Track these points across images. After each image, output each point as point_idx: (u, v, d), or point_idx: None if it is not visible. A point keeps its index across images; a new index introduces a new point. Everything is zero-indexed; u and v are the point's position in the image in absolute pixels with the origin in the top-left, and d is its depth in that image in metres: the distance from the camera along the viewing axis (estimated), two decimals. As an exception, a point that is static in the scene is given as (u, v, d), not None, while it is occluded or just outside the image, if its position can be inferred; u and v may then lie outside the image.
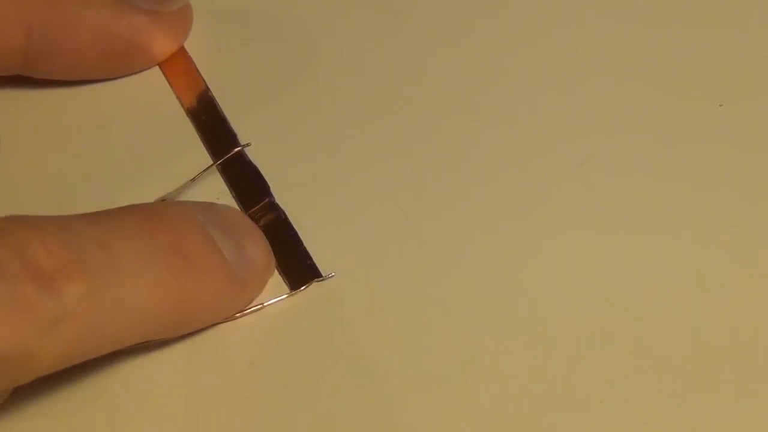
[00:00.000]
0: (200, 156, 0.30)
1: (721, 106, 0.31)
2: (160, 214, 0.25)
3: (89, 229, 0.23)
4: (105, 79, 0.32)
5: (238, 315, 0.27)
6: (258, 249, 0.27)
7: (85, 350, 0.23)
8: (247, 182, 0.30)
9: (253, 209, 0.29)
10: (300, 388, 0.26)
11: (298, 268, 0.28)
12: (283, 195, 0.29)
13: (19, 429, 0.25)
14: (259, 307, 0.27)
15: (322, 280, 0.28)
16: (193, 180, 0.29)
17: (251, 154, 0.30)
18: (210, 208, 0.27)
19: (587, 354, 0.26)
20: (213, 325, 0.27)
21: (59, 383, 0.26)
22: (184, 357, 0.27)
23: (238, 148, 0.30)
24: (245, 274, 0.27)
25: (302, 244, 0.28)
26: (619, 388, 0.26)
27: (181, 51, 0.32)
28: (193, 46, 0.33)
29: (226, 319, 0.27)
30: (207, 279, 0.25)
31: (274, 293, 0.28)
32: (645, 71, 0.32)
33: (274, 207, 0.29)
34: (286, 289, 0.28)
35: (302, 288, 0.28)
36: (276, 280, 0.28)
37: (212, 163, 0.30)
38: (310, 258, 0.28)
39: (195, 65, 0.32)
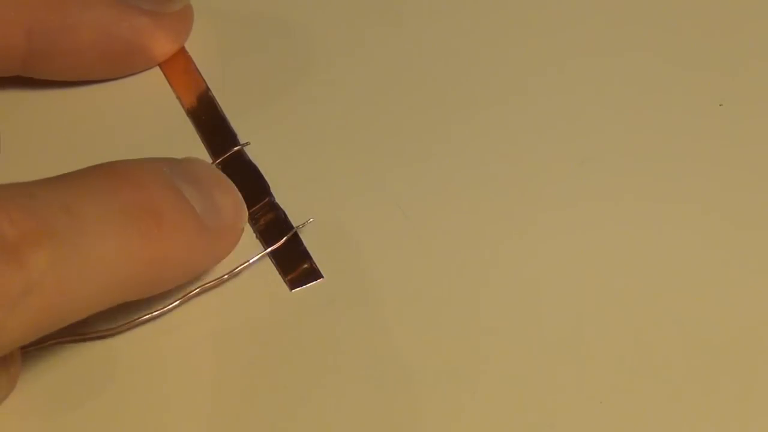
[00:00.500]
0: (200, 156, 0.30)
1: (721, 105, 0.31)
2: (124, 171, 0.25)
3: (52, 194, 0.23)
4: (105, 79, 0.32)
5: (226, 276, 0.27)
6: (228, 198, 0.27)
7: (56, 319, 0.23)
8: (247, 182, 0.30)
9: (254, 209, 0.29)
10: (300, 388, 0.26)
11: (298, 268, 0.28)
12: (282, 194, 0.29)
13: (18, 429, 0.25)
14: (245, 264, 0.28)
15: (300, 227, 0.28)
16: None
17: (251, 153, 0.30)
18: (175, 161, 0.26)
19: (587, 354, 0.26)
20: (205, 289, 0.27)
21: (55, 380, 0.26)
22: (184, 356, 0.26)
23: (237, 147, 0.30)
24: (217, 224, 0.26)
25: (302, 243, 0.28)
26: (619, 388, 0.26)
27: (182, 51, 0.32)
28: (193, 46, 0.33)
29: (207, 284, 0.27)
30: (177, 233, 0.25)
31: (272, 291, 0.28)
32: (645, 71, 0.32)
33: (274, 206, 0.29)
34: (285, 288, 0.28)
35: (281, 241, 0.28)
36: (274, 277, 0.28)
37: (212, 162, 0.30)
38: (310, 257, 0.28)
39: (195, 65, 0.32)
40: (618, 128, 0.31)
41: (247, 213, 0.27)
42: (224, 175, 0.27)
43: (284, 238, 0.28)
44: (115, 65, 0.31)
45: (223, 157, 0.30)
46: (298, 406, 0.26)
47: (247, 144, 0.30)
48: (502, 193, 0.29)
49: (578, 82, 0.32)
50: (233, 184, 0.27)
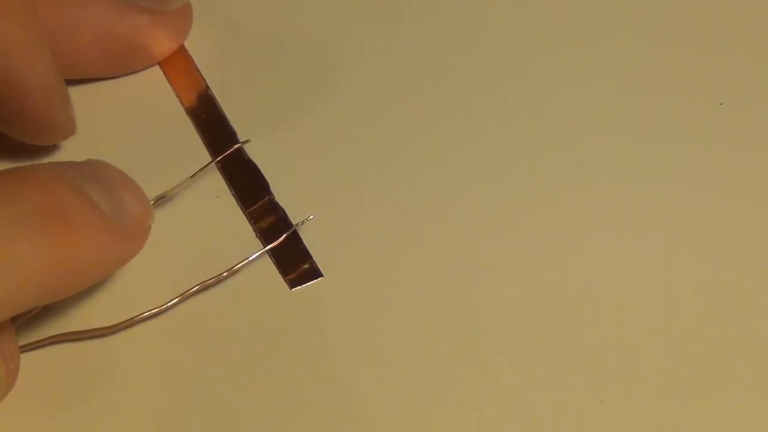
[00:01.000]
0: (200, 154, 0.30)
1: (721, 104, 0.31)
2: (27, 175, 0.25)
3: None
4: (105, 78, 0.32)
5: (225, 273, 0.27)
6: (134, 198, 0.26)
7: None
8: (247, 180, 0.30)
9: (253, 207, 0.29)
10: (300, 387, 0.26)
11: (298, 267, 0.28)
12: (282, 193, 0.29)
13: (17, 427, 0.25)
14: (244, 261, 0.28)
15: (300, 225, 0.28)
16: (192, 177, 0.29)
17: (251, 152, 0.30)
18: (78, 163, 0.26)
19: (587, 353, 0.26)
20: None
21: (53, 380, 0.26)
22: (184, 355, 0.27)
23: (238, 145, 0.30)
24: (124, 223, 0.26)
25: (302, 242, 0.28)
26: (619, 388, 0.26)
27: (181, 50, 0.32)
28: (192, 45, 0.33)
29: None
30: (84, 234, 0.25)
31: (272, 290, 0.28)
32: (645, 70, 0.32)
33: (274, 205, 0.29)
34: (285, 287, 0.28)
35: (281, 239, 0.28)
36: (274, 276, 0.28)
37: (212, 160, 0.30)
38: (310, 256, 0.28)
39: (195, 64, 0.32)
40: (617, 128, 0.31)
41: (153, 212, 0.27)
42: (128, 176, 0.27)
43: (283, 236, 0.28)
44: (115, 64, 0.31)
45: (223, 155, 0.30)
46: (298, 405, 0.26)
47: (247, 141, 0.30)
48: (502, 192, 0.29)
49: (578, 82, 0.32)
50: (137, 184, 0.27)
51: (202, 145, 0.31)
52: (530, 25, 0.33)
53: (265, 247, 0.28)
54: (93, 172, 0.26)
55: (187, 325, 0.27)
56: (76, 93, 0.31)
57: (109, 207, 0.25)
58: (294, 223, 0.29)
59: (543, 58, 0.32)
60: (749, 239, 0.28)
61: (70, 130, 0.29)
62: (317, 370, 0.26)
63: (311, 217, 0.29)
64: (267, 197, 0.29)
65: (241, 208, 0.29)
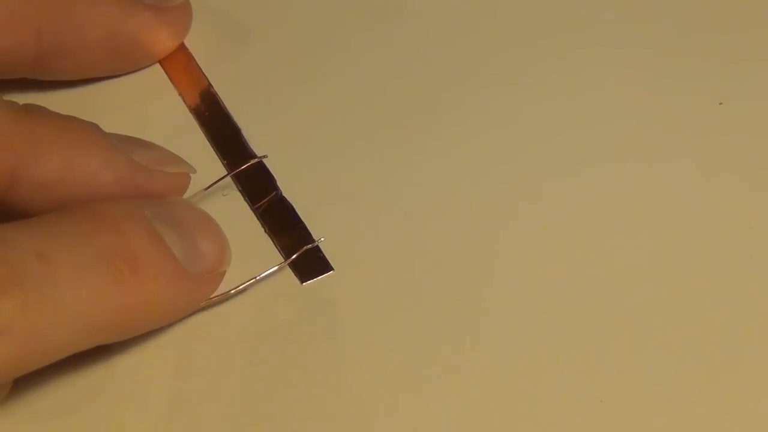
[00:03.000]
0: (205, 152, 0.30)
1: (721, 104, 0.31)
2: (101, 215, 0.25)
3: (25, 239, 0.23)
4: (109, 76, 0.32)
5: (232, 291, 0.27)
6: (211, 242, 0.26)
7: (26, 363, 0.23)
8: (253, 176, 0.30)
9: (261, 203, 0.29)
10: (301, 386, 0.26)
11: (308, 261, 0.28)
12: (288, 189, 0.29)
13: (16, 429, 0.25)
14: (251, 281, 0.27)
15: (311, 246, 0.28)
16: (207, 189, 0.29)
17: (257, 148, 0.30)
18: (158, 203, 0.26)
19: (587, 353, 0.26)
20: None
21: (53, 382, 0.26)
22: (184, 355, 0.26)
23: (256, 160, 0.29)
24: (197, 269, 0.26)
25: (311, 235, 0.28)
26: (619, 388, 0.26)
27: (182, 48, 0.32)
28: (192, 43, 0.33)
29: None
30: (153, 279, 0.24)
31: (282, 284, 0.28)
32: (645, 70, 0.32)
33: (281, 201, 0.29)
34: (296, 281, 0.28)
35: (294, 256, 0.28)
36: (285, 270, 0.28)
37: (227, 173, 0.29)
38: (320, 250, 0.28)
39: (196, 62, 0.32)
40: (617, 127, 0.31)
41: (230, 256, 0.27)
42: (209, 217, 0.27)
43: (302, 249, 0.28)
44: (120, 62, 0.31)
45: (240, 169, 0.29)
46: (299, 404, 0.26)
47: (264, 157, 0.30)
48: (501, 191, 0.29)
49: (577, 81, 0.32)
50: (218, 226, 0.27)
51: (207, 143, 0.31)
52: (530, 25, 0.33)
53: (285, 260, 0.28)
54: (171, 213, 0.26)
55: (193, 320, 0.27)
56: (78, 94, 0.31)
57: (183, 252, 0.25)
58: (300, 217, 0.29)
59: (543, 59, 0.32)
60: (749, 239, 0.28)
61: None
62: (318, 369, 0.26)
63: (322, 239, 0.28)
64: (274, 193, 0.29)
65: (249, 205, 0.29)
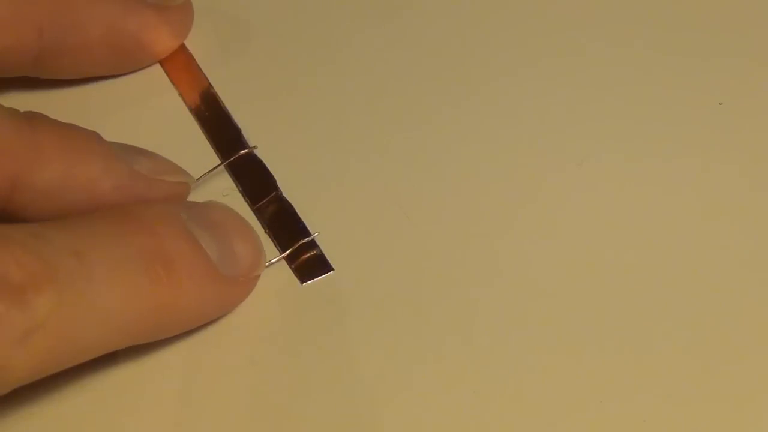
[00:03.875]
0: (205, 152, 0.30)
1: (721, 104, 0.31)
2: (137, 216, 0.25)
3: (61, 237, 0.23)
4: (109, 75, 0.32)
5: None
6: (246, 245, 0.26)
7: (60, 360, 0.23)
8: (253, 177, 0.30)
9: (261, 203, 0.29)
10: (301, 386, 0.26)
11: (309, 261, 0.28)
12: (288, 189, 0.29)
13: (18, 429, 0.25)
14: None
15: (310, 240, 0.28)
16: (199, 180, 0.29)
17: (256, 149, 0.30)
18: (195, 205, 0.26)
19: (587, 353, 0.26)
20: (209, 323, 0.27)
21: (58, 384, 0.26)
22: (184, 355, 0.26)
23: (246, 150, 0.30)
24: (232, 272, 0.26)
25: (311, 235, 0.28)
26: (619, 388, 0.26)
27: (182, 48, 0.32)
28: (192, 43, 0.33)
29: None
30: (188, 281, 0.24)
31: (282, 284, 0.28)
32: (644, 70, 0.32)
33: (281, 201, 0.29)
34: (296, 281, 0.28)
35: (290, 250, 0.28)
36: (284, 270, 0.28)
37: (220, 163, 0.30)
38: (319, 248, 0.28)
39: (196, 62, 0.32)
40: (617, 128, 0.31)
41: (265, 260, 0.27)
42: (245, 220, 0.27)
43: (298, 243, 0.28)
44: (121, 60, 0.31)
45: (231, 158, 0.30)
46: (300, 404, 0.26)
47: (254, 148, 0.30)
48: (501, 191, 0.29)
49: (577, 82, 0.32)
50: (253, 231, 0.27)
51: (207, 142, 0.31)
52: (530, 25, 0.33)
53: (281, 254, 0.28)
54: (207, 215, 0.26)
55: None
56: (78, 94, 0.31)
57: (219, 255, 0.25)
58: (300, 217, 0.29)
59: (543, 60, 0.32)
60: (749, 239, 0.28)
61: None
62: (319, 369, 0.26)
63: (317, 233, 0.28)
64: (274, 193, 0.29)
65: (249, 204, 0.29)
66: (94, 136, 0.27)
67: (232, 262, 0.26)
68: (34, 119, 0.26)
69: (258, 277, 0.27)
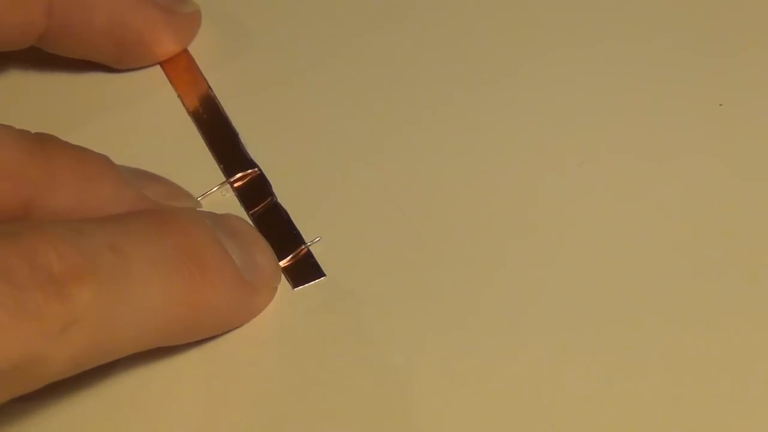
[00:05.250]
0: (203, 155, 0.30)
1: (721, 105, 0.31)
2: (171, 217, 0.25)
3: (100, 233, 0.23)
4: (108, 77, 0.32)
5: None
6: (265, 256, 0.27)
7: (96, 355, 0.23)
8: (249, 182, 0.30)
9: (256, 209, 0.29)
10: (302, 386, 0.26)
11: (301, 266, 0.28)
12: (283, 195, 0.29)
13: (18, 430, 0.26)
14: None
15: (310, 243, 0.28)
16: (202, 197, 0.29)
17: (254, 153, 0.30)
18: (216, 215, 0.27)
19: (587, 353, 0.26)
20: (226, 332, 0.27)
21: (70, 388, 0.26)
22: (186, 355, 0.26)
23: (251, 170, 0.30)
24: (255, 279, 0.26)
25: (304, 242, 0.28)
26: (619, 388, 0.26)
27: (184, 52, 0.33)
28: (194, 46, 0.33)
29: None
30: (219, 282, 0.25)
31: (276, 291, 0.28)
32: (644, 71, 0.32)
33: (276, 207, 0.29)
34: (288, 286, 0.28)
35: (289, 256, 0.28)
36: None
37: (225, 180, 0.30)
38: (312, 256, 0.28)
39: (197, 65, 0.32)
40: (617, 129, 0.31)
41: (281, 274, 0.28)
42: (260, 235, 0.27)
43: (293, 254, 0.28)
44: (120, 53, 0.31)
45: (234, 178, 0.30)
46: (301, 404, 0.26)
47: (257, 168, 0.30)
48: (501, 192, 0.29)
49: (577, 83, 0.32)
50: (268, 244, 0.27)
51: (204, 145, 0.31)
52: (530, 25, 0.33)
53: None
54: (229, 225, 0.27)
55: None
56: (78, 94, 0.31)
57: (241, 261, 0.26)
58: (293, 221, 0.29)
59: (543, 60, 0.32)
60: (749, 240, 0.28)
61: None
62: (319, 369, 0.26)
63: (318, 238, 0.29)
64: (269, 198, 0.29)
65: (244, 210, 0.29)
66: (105, 161, 0.27)
67: (255, 270, 0.26)
68: (46, 142, 0.26)
69: (276, 289, 0.27)
